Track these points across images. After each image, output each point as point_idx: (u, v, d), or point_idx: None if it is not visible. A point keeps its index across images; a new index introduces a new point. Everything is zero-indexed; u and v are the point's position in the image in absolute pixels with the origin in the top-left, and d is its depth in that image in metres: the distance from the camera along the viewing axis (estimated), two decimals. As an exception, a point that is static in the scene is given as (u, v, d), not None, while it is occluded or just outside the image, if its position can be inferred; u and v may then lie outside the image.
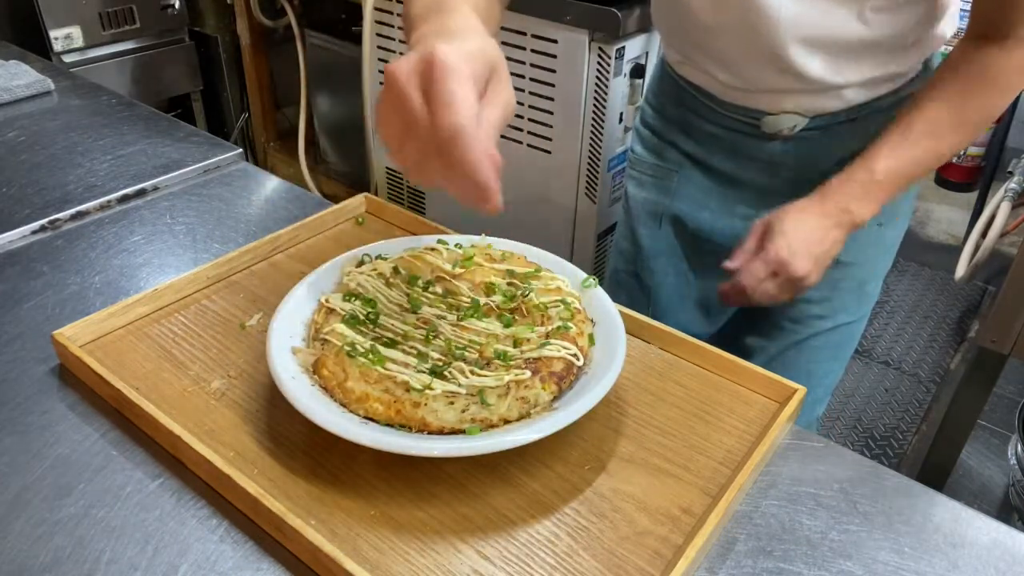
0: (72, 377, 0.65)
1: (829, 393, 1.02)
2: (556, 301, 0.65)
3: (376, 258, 0.71)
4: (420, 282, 0.68)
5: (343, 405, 0.57)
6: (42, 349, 0.67)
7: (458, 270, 0.69)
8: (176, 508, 0.54)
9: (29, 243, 0.84)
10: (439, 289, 0.68)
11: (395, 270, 0.69)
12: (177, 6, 2.16)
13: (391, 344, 0.61)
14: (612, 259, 1.06)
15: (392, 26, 1.83)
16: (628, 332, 0.67)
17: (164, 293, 0.72)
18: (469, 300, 0.66)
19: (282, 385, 0.56)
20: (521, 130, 1.62)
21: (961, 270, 1.56)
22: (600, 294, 0.68)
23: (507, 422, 0.56)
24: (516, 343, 0.62)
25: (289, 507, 0.51)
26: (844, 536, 0.54)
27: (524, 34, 1.51)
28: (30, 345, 0.69)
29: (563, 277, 0.69)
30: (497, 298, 0.66)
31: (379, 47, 1.87)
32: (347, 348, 0.59)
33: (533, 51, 1.52)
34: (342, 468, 0.57)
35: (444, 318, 0.64)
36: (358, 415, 0.56)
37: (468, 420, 0.55)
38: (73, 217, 0.88)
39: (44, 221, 0.87)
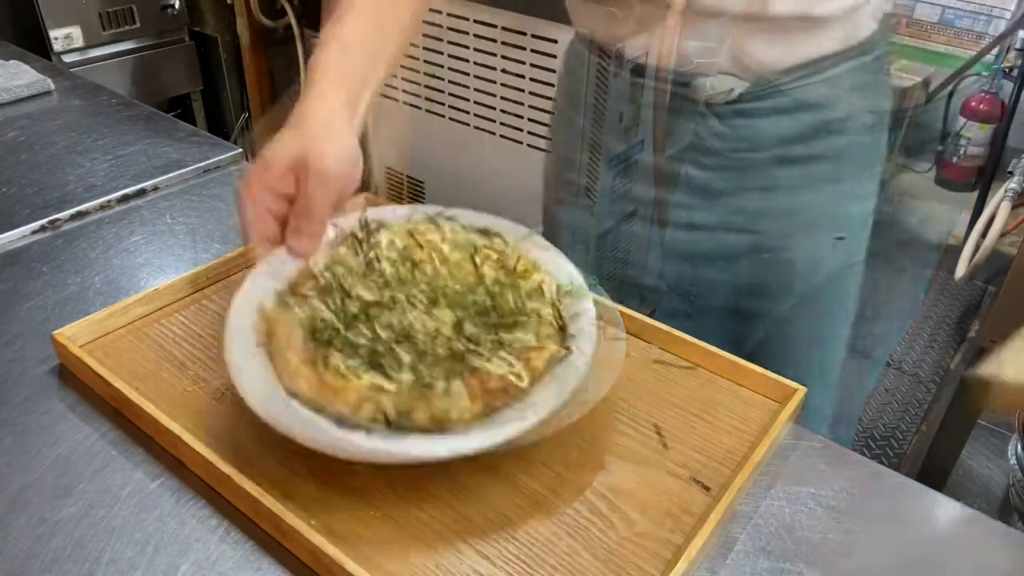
0: (72, 377, 0.65)
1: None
2: (534, 309, 0.61)
3: (377, 227, 0.68)
4: (410, 261, 0.65)
5: (278, 375, 0.55)
6: (42, 349, 0.67)
7: (454, 256, 0.66)
8: (176, 508, 0.54)
9: (29, 243, 0.84)
10: (428, 270, 0.64)
11: (391, 243, 0.67)
12: (177, 6, 2.16)
13: (351, 322, 0.58)
14: None
15: (392, 26, 1.82)
16: (628, 332, 0.66)
17: (164, 293, 0.72)
18: (450, 288, 0.62)
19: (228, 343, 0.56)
20: (521, 130, 1.62)
21: (961, 270, 1.56)
22: (597, 297, 0.65)
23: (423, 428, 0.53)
24: (471, 342, 0.58)
25: (289, 507, 0.51)
26: (844, 536, 0.54)
27: (524, 34, 1.51)
28: (30, 345, 0.68)
29: (557, 279, 0.64)
30: (480, 294, 0.62)
31: (379, 47, 1.87)
32: (301, 318, 0.58)
33: (533, 51, 1.52)
34: (342, 468, 0.57)
35: (416, 303, 0.60)
36: (286, 388, 0.55)
37: (370, 414, 0.53)
38: (73, 217, 0.88)
39: (44, 221, 0.87)
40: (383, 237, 0.67)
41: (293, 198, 0.63)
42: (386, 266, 0.64)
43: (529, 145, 1.62)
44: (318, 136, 0.62)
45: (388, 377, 0.54)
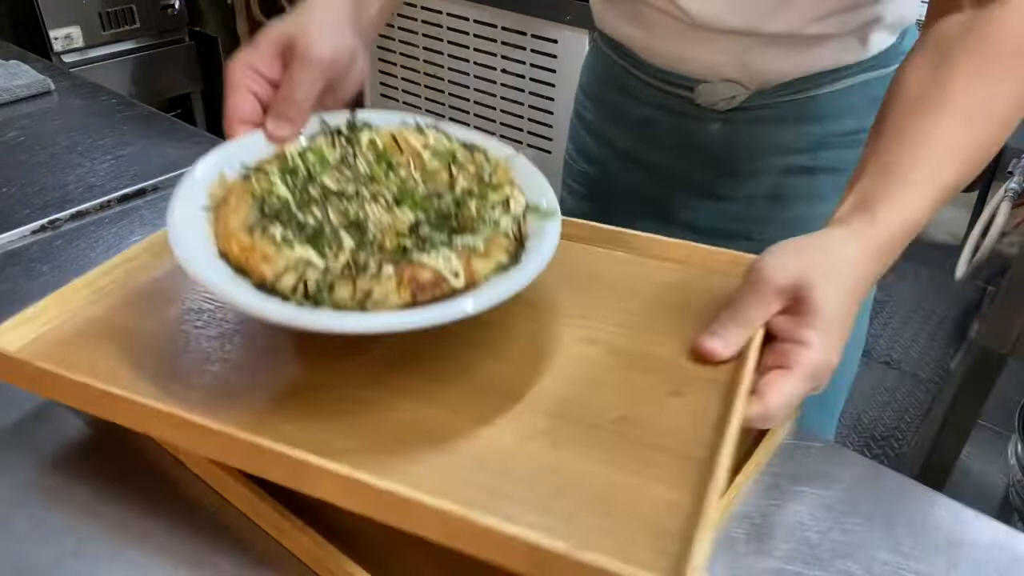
0: (72, 377, 0.65)
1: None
2: (494, 220, 0.57)
3: (363, 126, 0.65)
4: (387, 162, 0.62)
5: (216, 237, 0.54)
6: (42, 349, 0.67)
7: (433, 163, 0.62)
8: (176, 507, 0.54)
9: (29, 243, 0.84)
10: (402, 173, 0.61)
11: (372, 143, 0.64)
12: (177, 6, 2.16)
13: (305, 204, 0.56)
14: None
15: (392, 26, 1.83)
16: None
17: (164, 293, 0.72)
18: (419, 192, 0.59)
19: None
20: (521, 130, 1.62)
21: (961, 270, 1.56)
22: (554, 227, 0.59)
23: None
24: (422, 240, 0.55)
25: (289, 507, 0.51)
26: (844, 536, 0.54)
27: (524, 34, 1.51)
28: (30, 345, 0.68)
29: (526, 197, 0.61)
30: (447, 200, 0.59)
31: (378, 47, 1.87)
32: (255, 191, 0.56)
33: (533, 51, 1.52)
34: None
35: (380, 200, 0.58)
36: (218, 250, 0.54)
37: (292, 283, 0.51)
38: (73, 217, 0.89)
39: (44, 221, 0.87)
40: (364, 136, 0.64)
41: (279, 84, 0.62)
42: (360, 163, 0.61)
43: (529, 145, 1.62)
44: (313, 23, 0.61)
45: (322, 255, 0.52)
